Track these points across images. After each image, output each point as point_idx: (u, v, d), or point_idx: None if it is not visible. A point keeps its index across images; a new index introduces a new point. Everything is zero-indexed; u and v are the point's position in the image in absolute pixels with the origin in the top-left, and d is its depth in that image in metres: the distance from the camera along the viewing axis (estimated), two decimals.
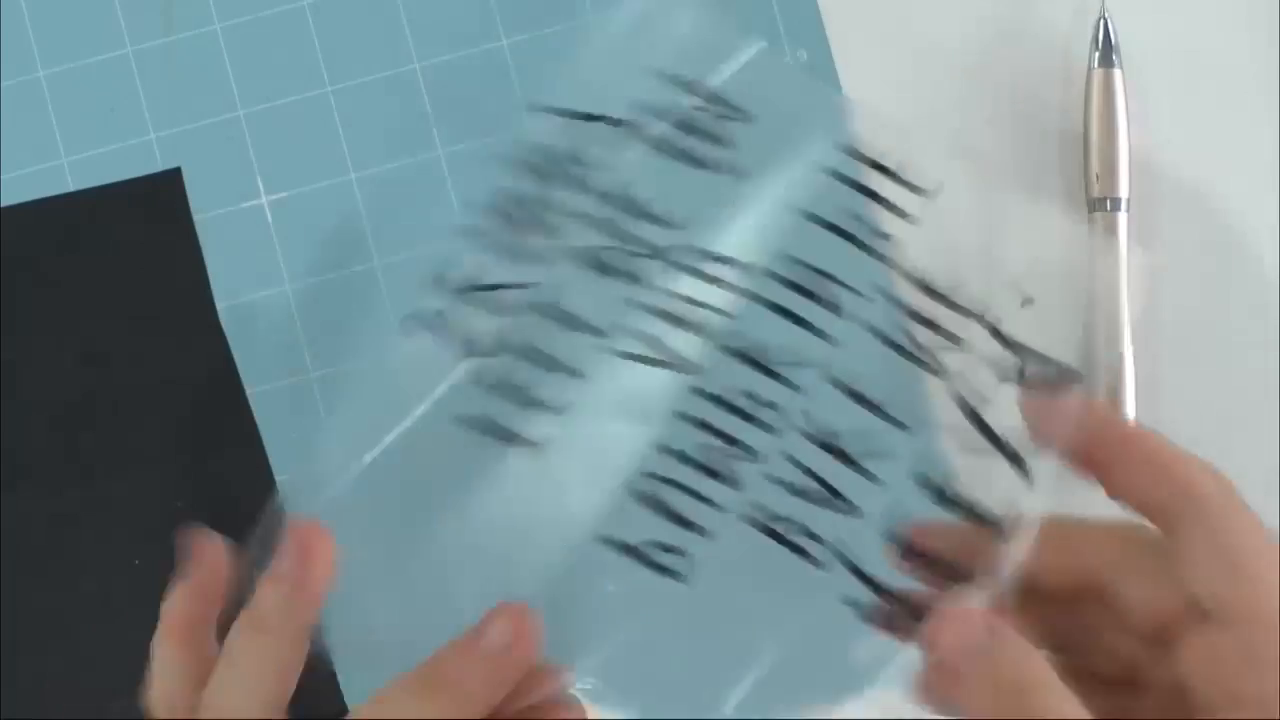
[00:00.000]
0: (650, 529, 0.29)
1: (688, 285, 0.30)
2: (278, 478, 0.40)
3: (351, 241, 0.40)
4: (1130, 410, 0.39)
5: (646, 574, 0.29)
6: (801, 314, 0.29)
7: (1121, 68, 0.40)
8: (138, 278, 0.40)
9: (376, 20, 0.40)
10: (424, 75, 0.40)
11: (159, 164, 0.40)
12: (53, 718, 0.39)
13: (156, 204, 0.40)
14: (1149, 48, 0.41)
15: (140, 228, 0.40)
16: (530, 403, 0.29)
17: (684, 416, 0.29)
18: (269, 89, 0.40)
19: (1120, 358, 0.39)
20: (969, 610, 0.26)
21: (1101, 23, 0.40)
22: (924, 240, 0.30)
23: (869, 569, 0.29)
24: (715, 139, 0.30)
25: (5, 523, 0.40)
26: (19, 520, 0.40)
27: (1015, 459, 0.28)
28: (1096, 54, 0.40)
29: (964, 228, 0.40)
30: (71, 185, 0.40)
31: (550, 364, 0.29)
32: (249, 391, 0.40)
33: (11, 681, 0.39)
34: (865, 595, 0.28)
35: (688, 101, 0.30)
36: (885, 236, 0.30)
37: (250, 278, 0.40)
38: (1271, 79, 0.41)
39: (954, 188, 0.41)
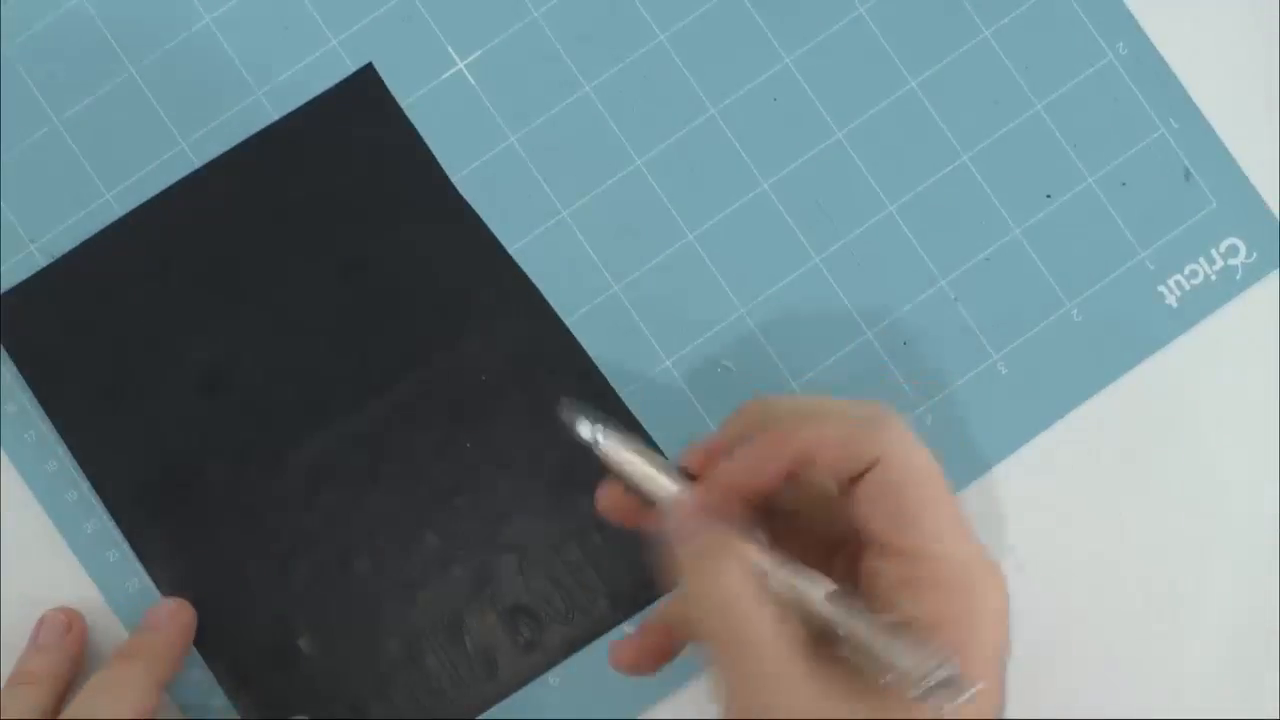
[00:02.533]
0: None
1: None
2: (565, 319, 0.41)
3: (556, 78, 0.41)
4: None
5: None
6: None
7: None
8: (367, 179, 0.41)
9: None
10: None
11: (350, 66, 0.41)
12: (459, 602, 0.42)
13: (363, 103, 0.41)
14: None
15: (354, 131, 0.41)
16: None
17: None
18: None
19: None
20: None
21: None
22: None
23: None
24: None
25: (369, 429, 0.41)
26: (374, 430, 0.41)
27: None
28: None
29: None
30: (274, 115, 0.41)
31: None
32: (511, 249, 0.41)
33: (414, 553, 0.41)
34: None
35: None
36: None
37: (474, 143, 0.41)
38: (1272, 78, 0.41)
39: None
